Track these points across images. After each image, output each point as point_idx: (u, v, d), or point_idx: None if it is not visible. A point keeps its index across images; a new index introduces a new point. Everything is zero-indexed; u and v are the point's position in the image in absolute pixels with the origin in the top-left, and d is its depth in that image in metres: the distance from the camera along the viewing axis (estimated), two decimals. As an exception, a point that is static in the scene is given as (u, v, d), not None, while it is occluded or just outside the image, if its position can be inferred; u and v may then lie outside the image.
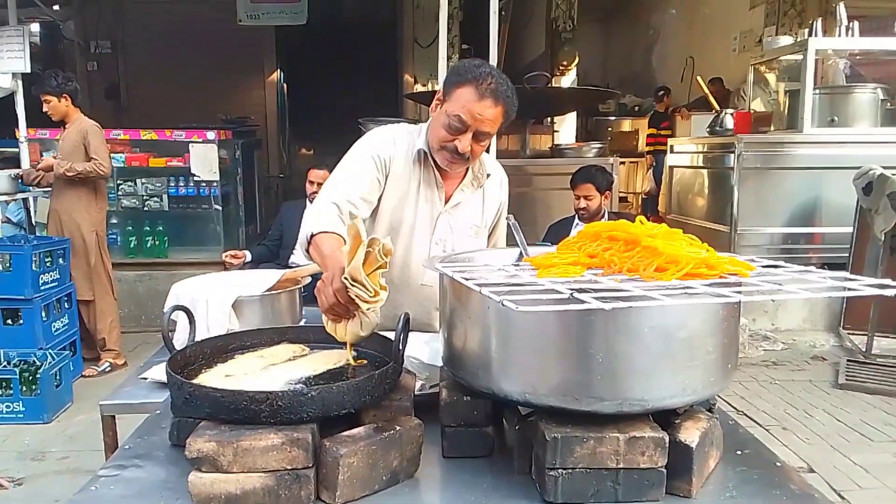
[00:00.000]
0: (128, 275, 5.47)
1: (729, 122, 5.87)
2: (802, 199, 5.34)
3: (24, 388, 3.70)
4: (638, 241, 1.17)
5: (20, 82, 5.15)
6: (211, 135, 5.67)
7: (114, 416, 1.92)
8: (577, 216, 4.10)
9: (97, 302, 4.57)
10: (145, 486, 1.14)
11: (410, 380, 1.35)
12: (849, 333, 5.03)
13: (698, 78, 7.08)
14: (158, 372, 1.87)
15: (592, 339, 1.05)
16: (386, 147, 1.85)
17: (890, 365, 4.43)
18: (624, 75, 11.76)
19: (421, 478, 1.17)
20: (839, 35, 5.51)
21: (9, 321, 4.12)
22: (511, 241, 1.74)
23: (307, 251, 1.66)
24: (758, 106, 6.47)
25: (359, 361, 1.36)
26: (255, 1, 7.24)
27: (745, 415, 3.79)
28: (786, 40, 5.97)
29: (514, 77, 1.77)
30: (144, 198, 5.84)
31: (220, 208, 5.91)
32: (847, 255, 5.05)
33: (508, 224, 1.81)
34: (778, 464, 1.22)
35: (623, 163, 8.28)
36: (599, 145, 5.40)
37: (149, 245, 5.80)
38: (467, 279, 1.10)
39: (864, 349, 4.72)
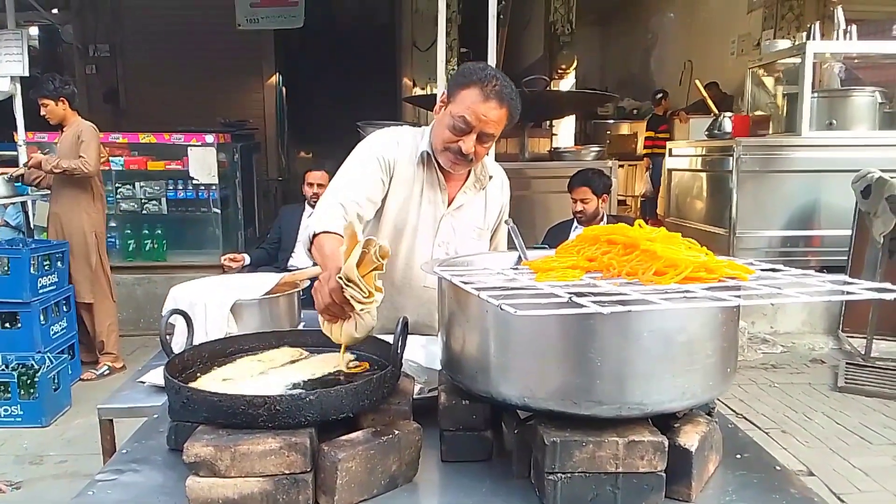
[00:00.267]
0: (126, 278, 5.47)
1: (727, 126, 5.88)
2: (801, 202, 5.34)
3: (23, 392, 3.69)
4: (637, 244, 1.17)
5: (19, 86, 5.15)
6: (209, 138, 5.68)
7: (112, 420, 1.91)
8: (575, 219, 4.11)
9: (95, 304, 4.57)
10: (143, 490, 1.14)
11: (409, 383, 1.34)
12: (848, 336, 5.03)
13: (696, 81, 7.09)
14: (156, 376, 1.87)
15: (591, 342, 1.05)
16: (390, 149, 1.86)
17: (889, 368, 4.42)
18: (622, 78, 11.78)
19: (420, 482, 1.17)
20: (837, 38, 5.52)
21: (7, 325, 4.12)
22: (510, 245, 1.74)
23: (309, 251, 1.66)
24: (756, 109, 6.48)
25: (353, 368, 1.35)
26: (254, 5, 7.24)
27: (745, 418, 3.78)
28: (784, 44, 5.98)
29: (512, 80, 1.77)
30: (143, 201, 5.84)
31: (218, 211, 5.91)
32: (846, 258, 5.05)
33: (506, 228, 1.81)
34: (778, 468, 1.22)
35: (622, 166, 8.27)
36: (598, 148, 5.40)
37: (147, 248, 5.80)
38: (466, 283, 1.10)
39: (863, 352, 4.72)
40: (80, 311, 4.57)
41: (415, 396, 1.32)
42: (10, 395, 3.68)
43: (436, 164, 1.87)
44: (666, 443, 1.06)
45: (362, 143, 1.90)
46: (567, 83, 9.13)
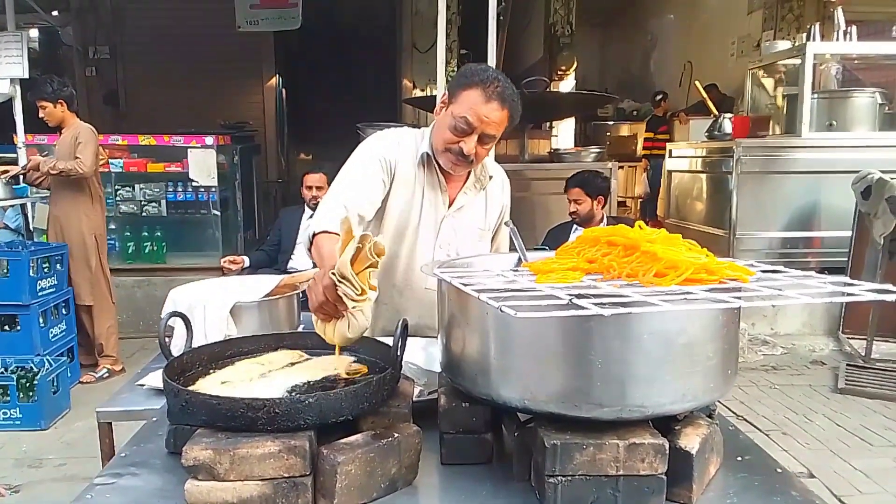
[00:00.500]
0: (126, 280, 5.46)
1: (727, 127, 5.88)
2: (801, 203, 5.34)
3: (22, 395, 3.69)
4: (637, 246, 1.17)
5: (18, 88, 5.15)
6: (209, 140, 5.67)
7: (110, 424, 1.91)
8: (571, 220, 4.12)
9: (95, 307, 4.56)
10: (141, 494, 1.13)
11: (409, 386, 1.34)
12: (848, 338, 5.02)
13: (696, 83, 7.09)
14: (155, 379, 1.87)
15: (592, 345, 1.04)
16: (391, 150, 1.86)
17: (889, 369, 4.42)
18: (622, 80, 11.78)
19: (419, 485, 1.16)
20: (837, 39, 5.53)
21: (6, 327, 4.11)
22: (510, 247, 1.73)
23: (309, 251, 1.65)
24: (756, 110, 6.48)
25: (351, 374, 1.34)
26: (254, 7, 7.25)
27: (745, 419, 3.78)
28: (784, 45, 5.99)
29: (512, 82, 1.78)
30: (143, 203, 5.84)
31: (218, 214, 5.90)
32: (846, 259, 5.05)
33: (507, 229, 1.81)
34: (779, 470, 1.22)
35: (622, 167, 8.28)
36: (598, 150, 5.40)
37: (147, 251, 5.79)
38: (466, 285, 1.09)
39: (863, 353, 4.71)
40: (80, 313, 4.57)
41: (414, 399, 1.31)
42: (9, 398, 3.68)
43: (436, 166, 1.87)
44: (667, 445, 1.05)
45: (363, 144, 1.89)
46: (567, 84, 9.14)
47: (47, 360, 3.89)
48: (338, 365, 1.35)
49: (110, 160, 5.50)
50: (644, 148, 9.04)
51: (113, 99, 8.79)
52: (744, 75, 6.58)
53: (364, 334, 1.36)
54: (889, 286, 1.02)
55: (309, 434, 1.07)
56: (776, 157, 5.32)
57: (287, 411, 1.06)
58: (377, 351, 1.39)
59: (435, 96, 4.83)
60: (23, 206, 5.28)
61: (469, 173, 1.93)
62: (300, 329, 2.05)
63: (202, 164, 5.66)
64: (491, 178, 1.97)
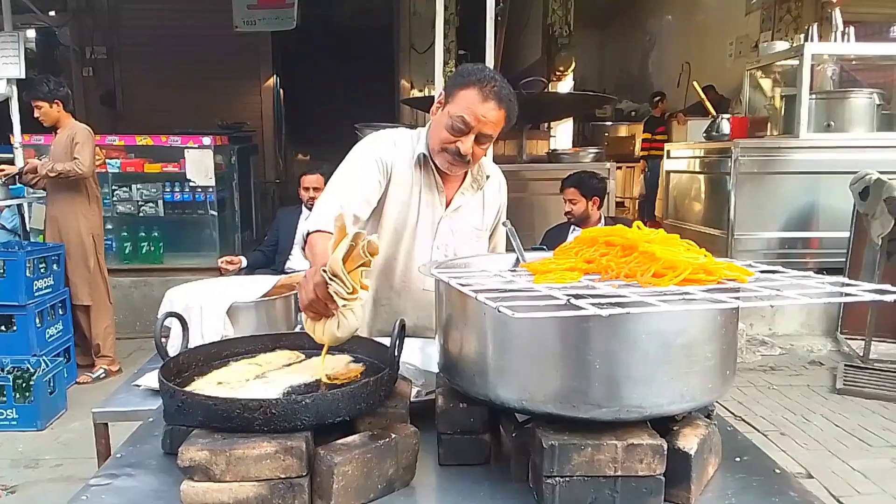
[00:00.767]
0: (123, 281, 5.45)
1: (725, 127, 5.89)
2: (799, 203, 5.35)
3: (18, 395, 3.68)
4: (635, 246, 1.16)
5: (15, 88, 5.14)
6: (207, 140, 5.67)
7: (106, 424, 1.90)
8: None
9: (93, 307, 4.55)
10: (137, 495, 1.13)
11: (406, 386, 1.33)
12: (846, 338, 5.03)
13: (694, 83, 7.10)
14: (152, 379, 1.86)
15: (590, 345, 1.04)
16: (388, 150, 1.85)
17: (887, 369, 4.42)
18: (620, 81, 11.80)
19: (417, 486, 1.16)
20: (835, 40, 5.53)
21: (2, 328, 4.11)
22: (508, 247, 1.73)
23: (303, 248, 1.65)
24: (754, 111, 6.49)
25: (341, 377, 1.33)
26: (252, 7, 7.24)
27: (743, 420, 3.78)
28: (782, 45, 6.00)
29: (510, 83, 1.77)
30: (140, 203, 5.84)
31: (215, 214, 5.90)
32: (844, 259, 5.05)
33: (505, 229, 1.81)
34: (777, 471, 1.21)
35: (620, 167, 8.28)
36: (596, 150, 5.41)
37: (144, 251, 5.78)
38: (463, 285, 1.09)
39: (861, 354, 4.72)
40: (77, 313, 4.56)
41: (412, 399, 1.31)
42: (5, 399, 3.67)
43: (433, 166, 1.86)
44: (665, 446, 1.05)
45: (359, 144, 1.89)
46: (565, 85, 9.14)
47: (44, 360, 3.88)
48: (336, 366, 1.34)
49: (107, 160, 5.49)
50: (642, 148, 9.05)
51: (110, 99, 8.78)
52: (742, 76, 6.59)
53: (355, 334, 1.34)
54: (887, 286, 1.02)
55: (306, 435, 1.07)
56: (774, 157, 5.33)
57: (283, 412, 1.05)
58: (374, 351, 1.39)
59: (433, 97, 4.83)
60: (19, 206, 5.27)
61: (466, 174, 1.92)
62: (297, 329, 2.04)
63: (199, 165, 5.65)
64: (488, 178, 1.97)
